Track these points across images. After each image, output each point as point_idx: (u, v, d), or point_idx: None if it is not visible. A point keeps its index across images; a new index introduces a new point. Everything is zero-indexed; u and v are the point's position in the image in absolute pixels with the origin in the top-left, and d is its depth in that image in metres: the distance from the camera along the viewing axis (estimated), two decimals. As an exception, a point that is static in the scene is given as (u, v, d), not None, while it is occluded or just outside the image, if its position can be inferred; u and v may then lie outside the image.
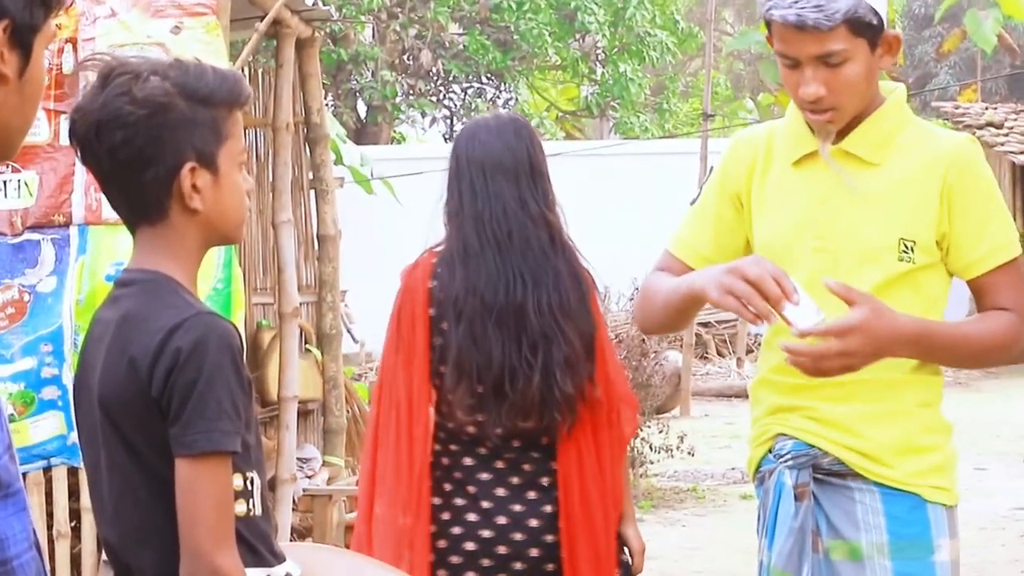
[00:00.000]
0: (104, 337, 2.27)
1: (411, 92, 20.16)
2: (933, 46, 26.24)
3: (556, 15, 20.18)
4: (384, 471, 3.48)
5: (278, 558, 2.34)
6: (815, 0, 2.82)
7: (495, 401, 3.44)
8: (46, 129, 4.81)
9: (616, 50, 20.93)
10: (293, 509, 6.40)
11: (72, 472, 4.79)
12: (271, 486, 5.95)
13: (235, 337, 2.23)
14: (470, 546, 3.47)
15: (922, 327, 2.87)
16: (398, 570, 3.01)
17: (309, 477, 6.79)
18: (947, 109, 18.92)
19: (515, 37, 19.87)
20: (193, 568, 2.17)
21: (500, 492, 3.49)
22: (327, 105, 14.64)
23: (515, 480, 3.49)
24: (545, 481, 3.50)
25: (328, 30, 17.06)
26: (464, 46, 19.98)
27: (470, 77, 21.05)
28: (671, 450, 9.54)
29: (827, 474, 2.96)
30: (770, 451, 3.03)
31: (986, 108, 18.74)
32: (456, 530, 3.48)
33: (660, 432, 9.53)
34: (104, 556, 2.46)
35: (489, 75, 21.16)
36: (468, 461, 3.51)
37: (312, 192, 7.12)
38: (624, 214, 16.94)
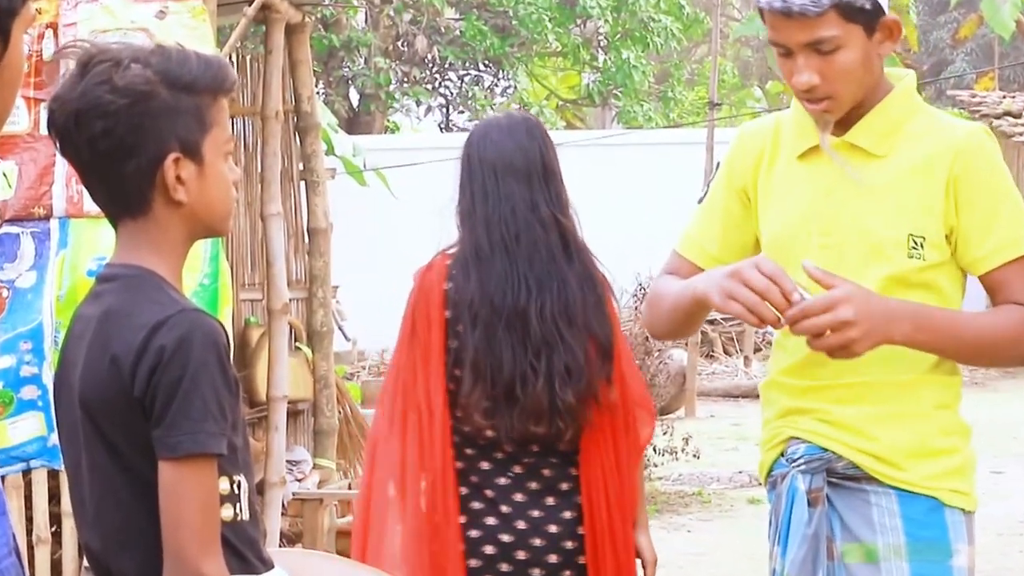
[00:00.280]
0: (85, 334, 2.25)
1: (405, 80, 20.12)
2: (949, 32, 26.08)
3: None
4: (402, 466, 3.47)
5: (266, 564, 2.32)
6: None
7: (507, 405, 3.45)
8: (25, 118, 4.80)
9: (619, 36, 20.89)
10: (282, 514, 6.42)
11: (53, 475, 4.77)
12: (259, 490, 5.93)
13: (221, 334, 2.22)
14: (489, 550, 3.47)
15: (917, 304, 2.83)
16: (391, 576, 2.99)
17: (299, 480, 6.79)
18: (963, 98, 18.73)
19: (514, 22, 19.86)
20: (177, 574, 2.16)
21: (518, 497, 3.49)
22: (318, 93, 14.55)
23: (533, 485, 3.50)
24: (564, 487, 3.51)
25: (319, 15, 16.94)
26: (460, 32, 19.95)
27: (467, 64, 21.03)
28: (676, 452, 9.43)
29: (842, 478, 2.92)
30: (782, 455, 2.99)
31: (1004, 97, 18.36)
32: (475, 533, 3.49)
33: (664, 434, 9.39)
34: (85, 562, 2.45)
35: (487, 62, 21.12)
36: (485, 465, 3.51)
37: (302, 183, 7.07)
38: (627, 206, 16.76)
